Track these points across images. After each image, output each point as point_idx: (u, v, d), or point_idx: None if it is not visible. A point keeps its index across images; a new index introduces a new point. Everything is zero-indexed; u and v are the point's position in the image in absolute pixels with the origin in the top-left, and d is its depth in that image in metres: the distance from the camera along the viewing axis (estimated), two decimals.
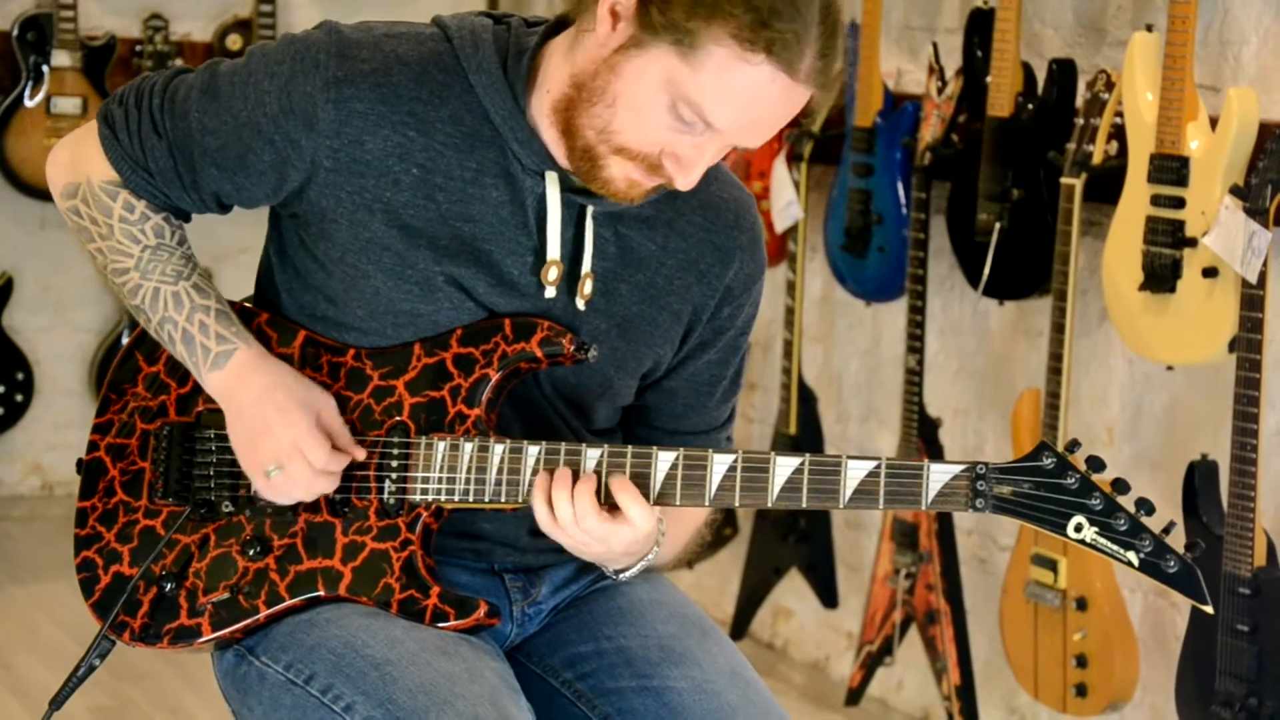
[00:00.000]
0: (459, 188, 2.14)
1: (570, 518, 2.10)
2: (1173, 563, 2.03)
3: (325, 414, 2.17)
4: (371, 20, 2.19)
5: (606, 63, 2.05)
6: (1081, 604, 3.48)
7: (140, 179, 2.22)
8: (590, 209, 2.17)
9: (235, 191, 2.20)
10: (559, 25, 2.16)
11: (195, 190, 2.22)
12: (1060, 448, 2.05)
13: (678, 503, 2.11)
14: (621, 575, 2.24)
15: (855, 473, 2.07)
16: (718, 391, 2.32)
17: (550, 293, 2.17)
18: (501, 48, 2.15)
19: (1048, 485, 2.05)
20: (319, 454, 2.14)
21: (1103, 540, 2.04)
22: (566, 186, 2.15)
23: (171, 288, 2.21)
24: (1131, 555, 2.04)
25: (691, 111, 2.02)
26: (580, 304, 2.18)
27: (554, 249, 2.16)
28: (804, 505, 2.09)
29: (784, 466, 2.09)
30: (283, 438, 2.14)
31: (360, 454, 2.17)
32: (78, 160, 2.25)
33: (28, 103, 4.96)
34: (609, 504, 2.11)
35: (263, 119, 2.14)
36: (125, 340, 2.33)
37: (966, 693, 3.84)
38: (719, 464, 2.10)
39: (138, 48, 5.13)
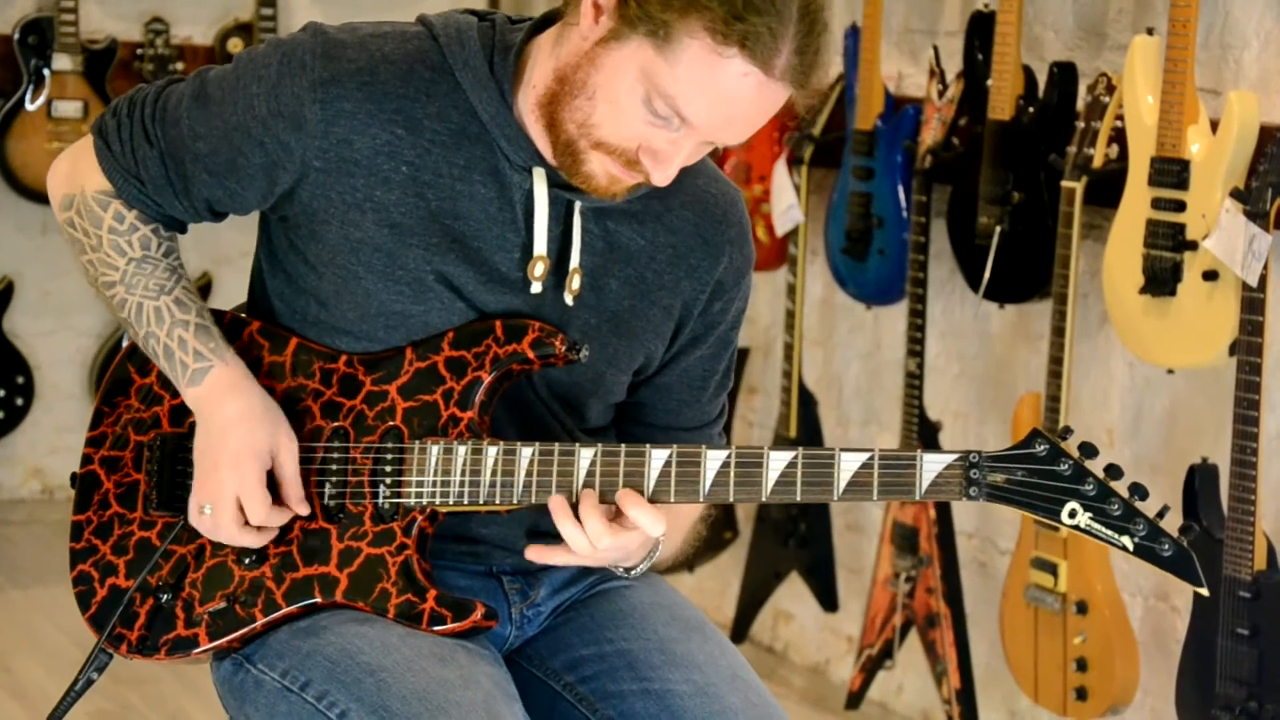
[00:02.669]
0: (447, 185, 2.14)
1: (587, 546, 2.10)
2: (1167, 546, 2.03)
3: (281, 458, 2.17)
4: (357, 21, 2.20)
5: (587, 55, 2.05)
6: (1082, 608, 3.48)
7: (133, 189, 2.22)
8: (578, 204, 2.17)
9: (227, 197, 2.20)
10: (545, 21, 2.16)
11: (187, 198, 2.22)
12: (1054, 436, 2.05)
13: (672, 499, 2.11)
14: (633, 572, 2.24)
15: (849, 464, 2.07)
16: (710, 386, 2.32)
17: (537, 288, 2.17)
18: (487, 44, 2.15)
19: (1041, 472, 2.05)
20: (257, 511, 2.14)
21: (1097, 525, 2.03)
22: (554, 182, 2.15)
23: (154, 303, 2.21)
24: (1126, 540, 2.03)
25: (666, 105, 2.02)
26: (568, 299, 2.18)
27: (541, 245, 2.16)
28: (798, 499, 2.09)
29: (778, 460, 2.08)
30: (226, 482, 2.14)
31: (304, 510, 2.17)
32: (75, 172, 2.26)
33: (29, 106, 4.95)
34: (607, 502, 2.12)
35: (252, 122, 2.14)
36: (124, 345, 2.33)
37: (967, 696, 3.83)
38: (713, 460, 2.10)
39: (139, 51, 5.13)
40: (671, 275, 2.23)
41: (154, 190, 2.22)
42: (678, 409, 2.32)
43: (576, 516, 2.10)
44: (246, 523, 2.16)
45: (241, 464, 2.14)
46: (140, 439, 2.27)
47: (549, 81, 2.09)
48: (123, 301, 2.23)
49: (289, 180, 2.15)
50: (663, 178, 2.08)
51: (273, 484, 2.17)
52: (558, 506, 2.11)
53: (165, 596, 2.21)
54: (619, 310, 2.22)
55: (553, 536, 2.25)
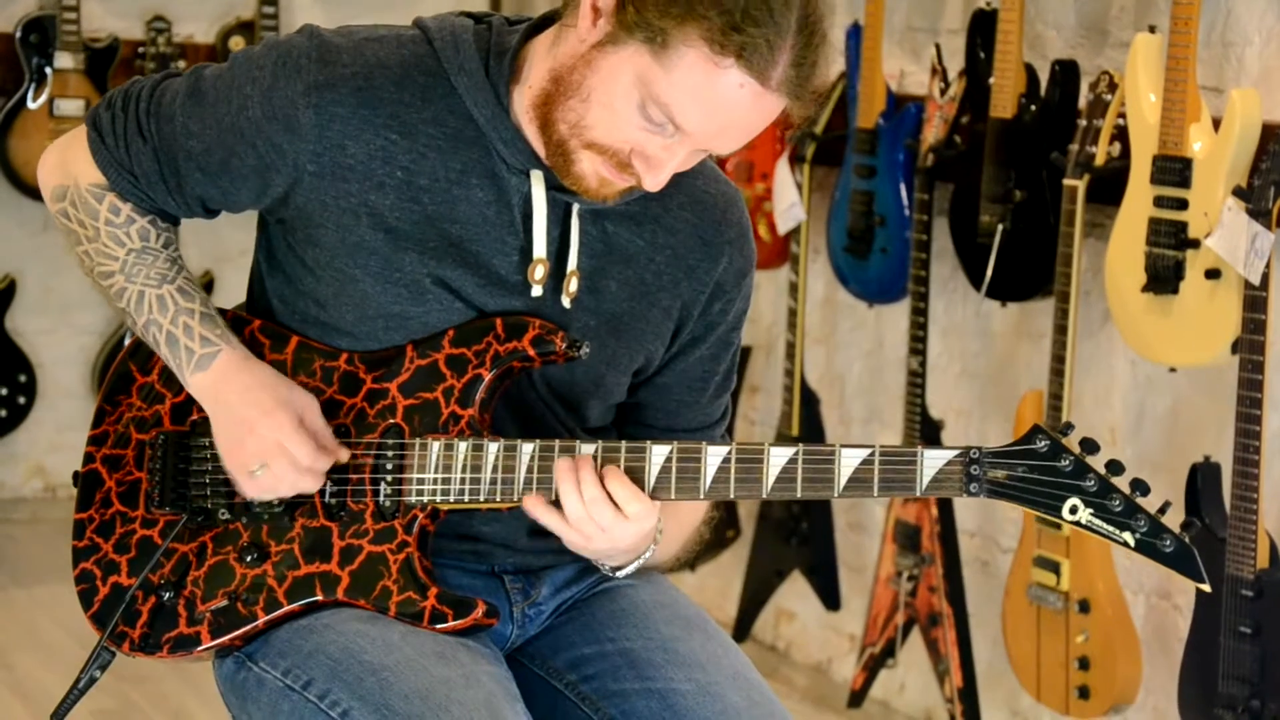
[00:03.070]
0: (443, 189, 2.14)
1: (582, 513, 2.09)
2: (1169, 542, 2.02)
3: (309, 415, 2.17)
4: (353, 24, 2.19)
5: (584, 58, 2.05)
6: (1084, 606, 3.48)
7: (126, 182, 2.22)
8: (576, 206, 2.16)
9: (220, 196, 2.20)
10: (542, 23, 2.16)
11: (180, 194, 2.22)
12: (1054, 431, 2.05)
13: (673, 496, 2.11)
14: (619, 572, 2.24)
15: (849, 461, 2.07)
16: (710, 387, 2.32)
17: (537, 291, 2.17)
18: (483, 47, 2.15)
19: (1042, 468, 2.04)
20: (303, 451, 2.14)
21: (1098, 521, 2.03)
22: (552, 185, 2.15)
23: (156, 291, 2.21)
24: (1127, 536, 2.03)
25: (660, 112, 2.02)
26: (566, 302, 2.18)
27: (540, 247, 2.15)
28: (799, 495, 2.09)
29: (778, 457, 2.08)
30: (266, 436, 2.14)
31: (344, 455, 2.17)
32: (67, 163, 2.26)
33: (31, 105, 4.96)
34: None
35: (245, 123, 2.14)
36: (126, 343, 2.33)
37: (969, 695, 3.83)
38: (713, 456, 2.10)
39: (140, 49, 5.13)
40: (670, 276, 2.23)
41: (147, 185, 2.22)
42: (677, 409, 2.31)
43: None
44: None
45: (274, 415, 2.14)
46: (142, 437, 2.27)
47: (544, 82, 2.09)
48: (122, 291, 2.23)
49: (282, 183, 2.15)
50: (654, 183, 2.08)
51: None
52: (562, 468, 2.10)
53: (167, 594, 2.21)
54: (618, 312, 2.21)
55: (554, 535, 2.26)
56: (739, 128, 2.05)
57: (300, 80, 2.12)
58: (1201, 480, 3.20)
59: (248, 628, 2.18)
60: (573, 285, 2.18)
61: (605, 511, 2.09)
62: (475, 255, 2.16)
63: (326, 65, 2.12)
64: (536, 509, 2.12)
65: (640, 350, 2.24)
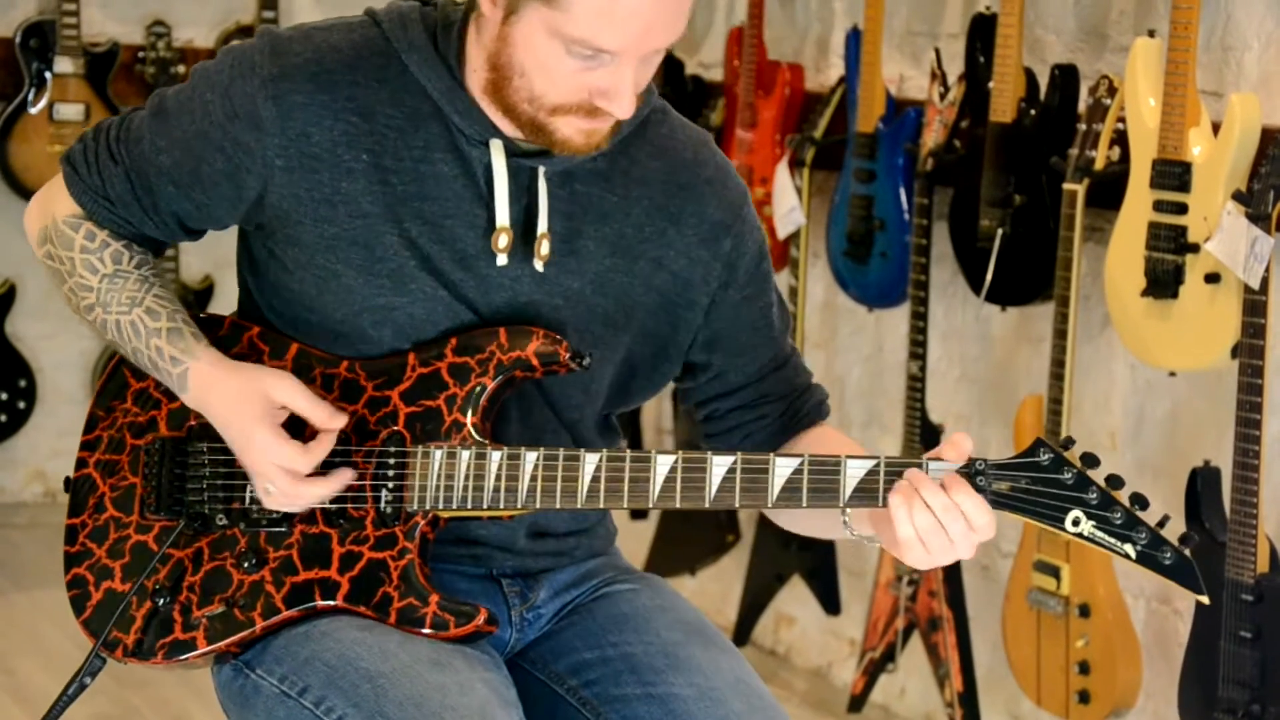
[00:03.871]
0: (410, 167, 2.15)
1: (932, 522, 2.05)
2: (1169, 554, 2.04)
3: (285, 398, 2.15)
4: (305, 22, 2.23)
5: (500, 37, 2.08)
6: (1084, 610, 3.48)
7: (102, 208, 2.24)
8: (542, 170, 2.17)
9: (196, 210, 2.22)
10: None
11: (156, 213, 2.23)
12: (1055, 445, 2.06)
13: (678, 504, 2.11)
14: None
15: (854, 471, 2.08)
16: (773, 320, 2.30)
17: (502, 260, 2.16)
18: (430, 25, 2.17)
19: (1045, 480, 2.06)
20: (298, 464, 2.14)
21: (1100, 534, 2.05)
22: (514, 152, 2.16)
23: (128, 317, 2.22)
24: (1128, 548, 2.04)
25: (582, 47, 2.03)
26: (539, 265, 2.18)
27: (502, 216, 2.16)
28: (804, 505, 2.09)
29: (783, 467, 2.09)
30: (259, 460, 2.14)
31: (341, 421, 2.16)
32: (46, 203, 2.30)
33: (31, 109, 4.96)
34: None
35: (210, 128, 2.16)
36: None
37: (969, 699, 3.83)
38: (718, 465, 2.10)
39: (140, 54, 5.13)
40: (654, 227, 2.23)
41: (123, 208, 2.24)
42: (749, 352, 2.29)
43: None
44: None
45: (256, 438, 2.14)
46: (137, 442, 2.27)
47: (485, 71, 2.12)
48: (104, 322, 2.24)
49: (255, 185, 2.16)
50: (624, 109, 2.08)
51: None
52: (903, 488, 2.06)
53: (162, 600, 2.20)
54: (600, 270, 2.21)
55: (554, 537, 2.27)
56: (662, 17, 2.04)
57: (256, 76, 2.14)
58: (1201, 485, 3.20)
59: (244, 634, 2.18)
60: (544, 249, 2.17)
61: (957, 522, 2.06)
62: (449, 230, 2.16)
63: (279, 56, 2.15)
64: (863, 527, 2.11)
65: (636, 308, 2.23)
